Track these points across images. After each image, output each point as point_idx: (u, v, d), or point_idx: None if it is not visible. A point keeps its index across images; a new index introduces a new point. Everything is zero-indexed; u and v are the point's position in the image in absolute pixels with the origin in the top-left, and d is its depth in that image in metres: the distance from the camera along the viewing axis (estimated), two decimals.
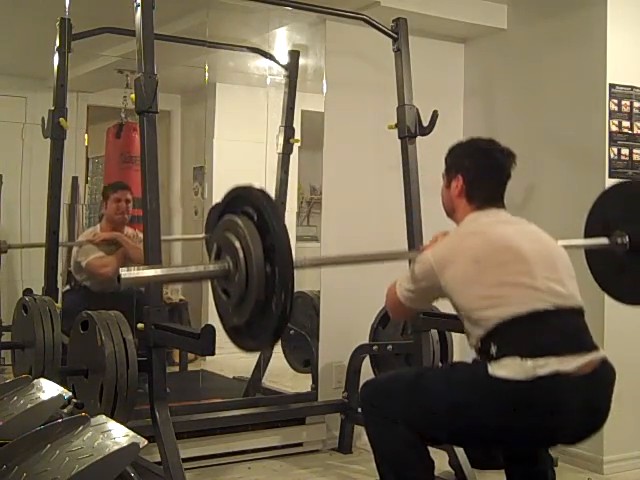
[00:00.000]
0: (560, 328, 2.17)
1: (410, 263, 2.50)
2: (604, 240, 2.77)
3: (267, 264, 1.74)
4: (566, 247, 2.49)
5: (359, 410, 3.69)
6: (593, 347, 2.21)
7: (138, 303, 3.48)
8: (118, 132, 4.60)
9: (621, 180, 2.88)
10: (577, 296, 2.28)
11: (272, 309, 1.74)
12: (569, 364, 2.10)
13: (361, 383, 3.67)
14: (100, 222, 4.37)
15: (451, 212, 2.47)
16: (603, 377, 2.23)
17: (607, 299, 3.53)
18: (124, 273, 1.76)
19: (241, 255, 1.77)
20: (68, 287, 4.16)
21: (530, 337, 2.13)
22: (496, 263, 2.21)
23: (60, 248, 3.72)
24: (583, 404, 2.13)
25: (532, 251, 2.25)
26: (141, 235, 4.10)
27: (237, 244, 1.78)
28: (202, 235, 4.40)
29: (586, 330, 2.25)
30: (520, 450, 2.44)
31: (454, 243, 2.33)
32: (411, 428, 2.22)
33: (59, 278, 3.69)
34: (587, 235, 2.89)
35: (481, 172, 2.41)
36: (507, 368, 2.09)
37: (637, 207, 2.75)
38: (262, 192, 1.84)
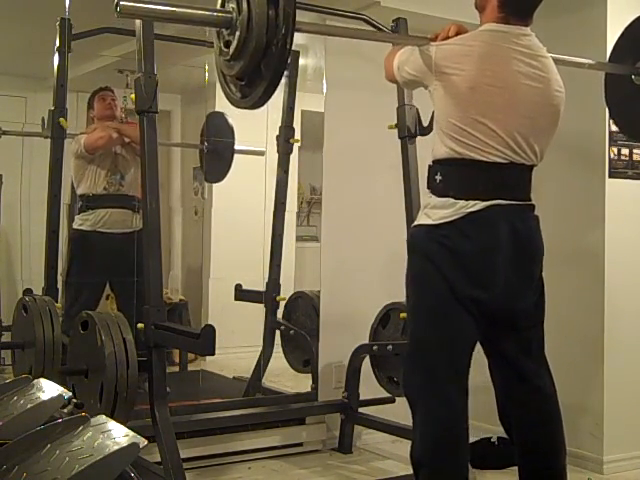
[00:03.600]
0: (502, 181, 2.25)
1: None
2: (624, 67, 2.74)
3: (270, 9, 1.74)
4: (583, 65, 2.53)
5: (360, 410, 3.72)
6: (527, 199, 2.33)
7: (138, 303, 3.48)
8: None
9: None
10: (539, 154, 2.34)
11: (272, 50, 1.74)
12: (499, 202, 2.23)
13: (361, 383, 3.70)
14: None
15: (480, 8, 2.36)
16: (530, 214, 2.35)
17: (607, 301, 3.54)
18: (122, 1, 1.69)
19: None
20: (77, 224, 4.06)
21: (471, 182, 2.22)
22: (487, 101, 2.22)
23: (60, 248, 3.72)
24: (508, 229, 2.24)
25: (526, 102, 2.25)
26: None
27: None
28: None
29: (527, 186, 2.34)
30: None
31: (462, 53, 2.25)
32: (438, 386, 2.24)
33: (59, 278, 3.69)
34: (612, 61, 2.85)
35: None
36: (438, 211, 2.21)
37: None
38: None
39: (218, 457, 3.50)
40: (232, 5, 1.80)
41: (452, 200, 2.21)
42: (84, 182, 4.08)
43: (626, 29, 2.85)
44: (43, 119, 3.59)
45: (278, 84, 1.81)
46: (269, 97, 1.86)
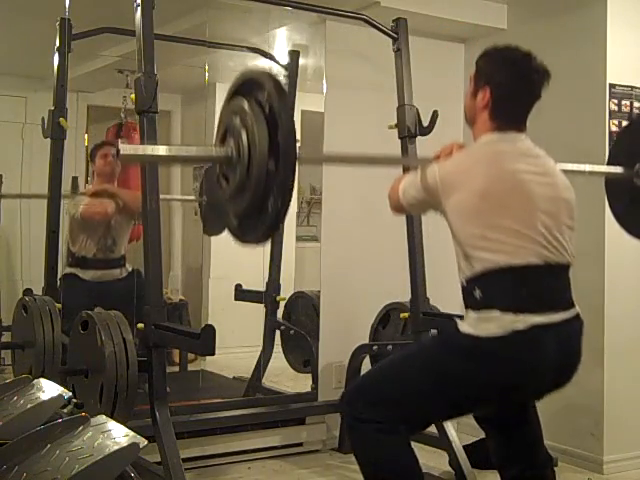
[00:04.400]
0: (544, 285, 2.18)
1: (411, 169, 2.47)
2: (627, 170, 2.71)
3: (270, 160, 1.71)
4: (583, 172, 2.47)
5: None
6: (571, 305, 2.24)
7: (138, 303, 3.48)
8: (118, 132, 4.59)
9: None
10: (569, 251, 2.25)
11: (268, 209, 1.71)
12: (546, 319, 2.13)
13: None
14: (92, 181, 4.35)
15: (471, 122, 2.36)
16: (575, 327, 2.27)
17: (607, 301, 3.54)
18: (123, 147, 1.70)
19: (245, 145, 1.73)
20: (68, 269, 4.10)
21: (514, 291, 2.13)
22: (501, 204, 2.16)
23: (60, 249, 3.72)
24: (556, 349, 2.16)
25: (539, 197, 2.19)
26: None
27: (243, 134, 1.74)
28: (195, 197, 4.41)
29: (568, 287, 2.26)
30: (507, 409, 2.41)
31: (465, 166, 2.23)
32: (394, 421, 2.16)
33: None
34: (610, 163, 2.82)
35: (511, 92, 2.29)
36: (484, 324, 2.11)
37: None
38: (278, 86, 1.78)
39: (218, 457, 3.50)
40: (232, 144, 1.79)
41: (498, 313, 2.10)
42: (77, 243, 4.12)
43: (621, 132, 2.86)
44: (43, 119, 3.58)
45: (281, 220, 1.79)
46: (276, 228, 1.83)
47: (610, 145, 3.60)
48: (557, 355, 2.16)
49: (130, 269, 4.15)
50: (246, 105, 1.77)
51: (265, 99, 1.75)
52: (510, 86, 2.29)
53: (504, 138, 2.27)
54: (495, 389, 2.18)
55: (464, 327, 2.15)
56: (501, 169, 2.20)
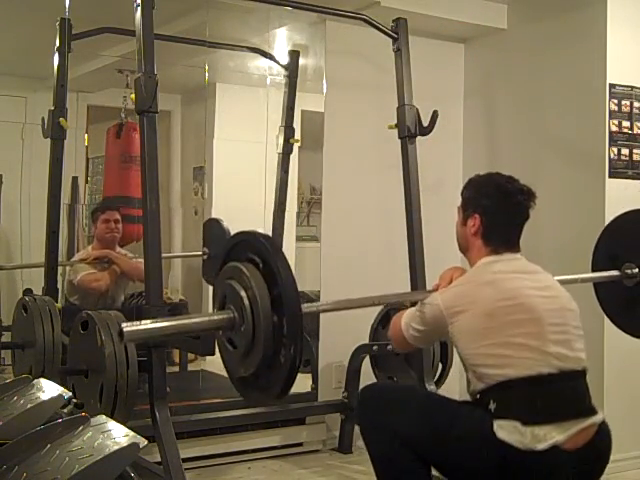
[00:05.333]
0: (561, 393, 2.15)
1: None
2: (614, 273, 2.74)
3: (274, 314, 1.70)
4: (575, 281, 2.47)
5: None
6: (592, 411, 2.19)
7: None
8: (118, 132, 4.59)
9: (624, 211, 2.88)
10: (582, 357, 2.24)
11: (280, 361, 1.71)
12: (567, 432, 2.09)
13: (361, 383, 3.70)
14: (92, 243, 4.40)
15: (465, 250, 2.40)
16: (600, 447, 2.20)
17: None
18: (126, 327, 1.70)
19: (247, 305, 1.73)
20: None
21: (530, 402, 2.11)
22: (507, 321, 2.16)
23: (60, 248, 3.72)
24: (576, 474, 2.13)
25: (545, 310, 2.20)
26: (131, 255, 4.17)
27: (243, 293, 1.74)
28: (200, 253, 4.40)
29: (586, 393, 2.22)
30: None
31: (466, 291, 2.25)
32: (404, 442, 2.20)
33: (59, 278, 3.69)
34: (595, 269, 2.85)
35: (500, 214, 2.32)
36: (508, 432, 2.08)
37: None
38: (267, 238, 1.81)
39: (218, 457, 3.50)
40: (232, 308, 1.78)
41: (519, 425, 2.07)
42: (75, 297, 4.15)
43: (600, 237, 2.86)
44: (43, 119, 3.58)
45: (291, 385, 1.78)
46: (283, 396, 1.83)
47: (609, 147, 3.60)
48: (576, 477, 2.14)
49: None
50: (239, 266, 1.78)
51: (257, 257, 1.76)
52: (498, 208, 2.33)
53: (500, 259, 2.31)
54: None
55: (498, 431, 2.10)
56: (503, 287, 2.22)
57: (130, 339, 1.73)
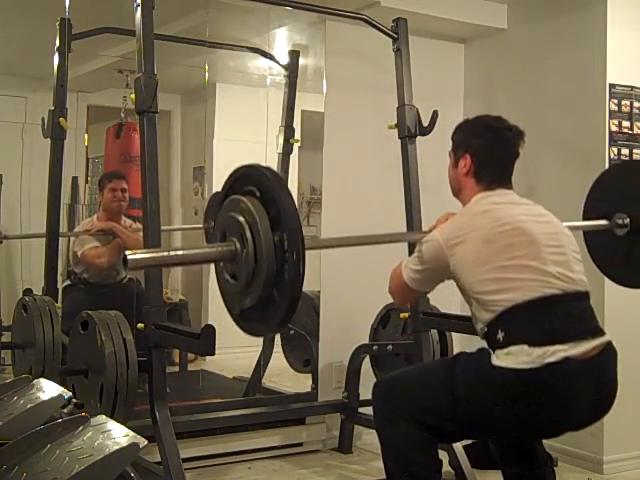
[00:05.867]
0: (568, 314, 2.16)
1: (414, 245, 2.48)
2: (604, 222, 2.75)
3: (275, 234, 1.71)
4: (574, 228, 2.48)
5: (360, 410, 3.72)
6: (600, 331, 2.22)
7: (138, 303, 3.48)
8: (118, 132, 4.59)
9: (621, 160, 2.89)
10: (584, 280, 2.26)
11: (285, 278, 1.70)
12: (577, 349, 2.10)
13: (361, 383, 3.70)
14: (97, 212, 4.37)
15: (457, 192, 2.43)
16: (609, 358, 2.25)
17: (607, 301, 3.54)
18: (129, 255, 1.73)
19: (247, 229, 1.73)
20: (68, 282, 4.15)
21: (538, 324, 2.12)
22: (506, 244, 2.19)
23: (60, 249, 3.72)
24: (591, 385, 2.15)
25: (541, 234, 2.23)
26: (138, 225, 4.07)
27: (241, 219, 1.75)
28: (201, 225, 4.39)
29: (593, 314, 2.25)
30: (527, 440, 2.43)
31: (463, 222, 2.29)
32: (421, 425, 2.21)
33: (59, 278, 3.69)
34: (586, 217, 2.85)
35: (490, 152, 2.37)
36: (513, 357, 2.09)
37: (638, 187, 2.73)
38: (262, 167, 1.80)
39: (218, 457, 3.50)
40: (234, 238, 1.78)
41: (526, 347, 2.08)
42: (79, 268, 4.15)
43: (593, 186, 2.87)
44: (43, 119, 3.58)
45: (295, 310, 1.77)
46: (287, 320, 1.81)
47: (609, 147, 3.59)
48: (592, 389, 2.15)
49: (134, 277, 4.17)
50: (237, 197, 1.79)
51: (254, 187, 1.76)
52: (488, 147, 2.37)
53: (493, 194, 2.34)
54: (529, 424, 2.17)
55: (497, 361, 2.12)
56: (499, 215, 2.26)
57: (133, 266, 1.74)
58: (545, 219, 2.33)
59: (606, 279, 3.54)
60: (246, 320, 1.87)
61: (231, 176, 1.88)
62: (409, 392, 2.29)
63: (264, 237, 1.71)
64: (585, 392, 2.14)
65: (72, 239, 4.23)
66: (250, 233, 1.73)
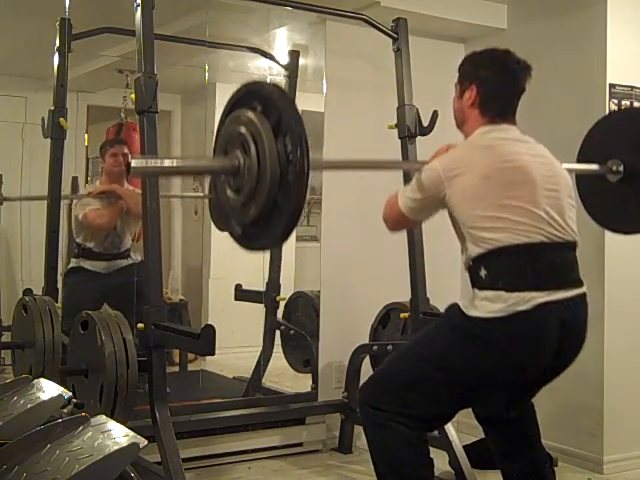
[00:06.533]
0: (552, 263, 2.21)
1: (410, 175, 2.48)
2: (598, 166, 2.73)
3: (277, 141, 1.69)
4: (569, 170, 2.47)
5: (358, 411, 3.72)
6: (579, 282, 2.27)
7: (138, 303, 3.48)
8: (118, 132, 4.59)
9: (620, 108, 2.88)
10: (574, 228, 2.30)
11: (289, 181, 1.67)
12: (552, 297, 2.16)
13: (361, 383, 3.70)
14: (100, 178, 4.37)
15: (461, 123, 2.42)
16: (581, 307, 2.28)
17: (607, 301, 3.54)
18: (134, 161, 1.70)
19: (249, 138, 1.72)
20: (73, 263, 4.14)
21: (521, 270, 2.16)
22: (504, 182, 2.20)
23: (60, 250, 3.72)
24: (560, 329, 2.19)
25: (540, 175, 2.25)
26: (139, 191, 4.09)
27: (243, 129, 1.73)
28: (203, 194, 4.39)
29: (575, 265, 2.29)
30: (526, 436, 2.44)
31: (463, 155, 2.29)
32: (410, 419, 2.21)
33: (59, 278, 3.69)
34: (580, 161, 2.84)
35: (497, 84, 2.35)
36: (489, 303, 2.14)
37: (634, 135, 2.72)
38: (262, 82, 1.82)
39: (218, 457, 3.50)
40: (237, 150, 1.76)
41: (503, 293, 2.13)
42: (81, 236, 4.15)
43: (591, 129, 2.86)
44: (43, 119, 3.58)
45: (299, 217, 1.74)
46: (292, 229, 1.77)
47: None
48: (561, 334, 2.19)
49: (137, 258, 4.15)
50: (246, 112, 1.77)
51: (255, 101, 1.75)
52: (494, 79, 2.36)
53: (497, 128, 2.33)
54: (502, 371, 2.20)
55: (470, 310, 2.18)
56: (500, 151, 2.26)
57: (136, 173, 1.74)
58: (546, 160, 2.33)
59: (607, 278, 3.55)
60: (249, 237, 1.84)
61: (232, 97, 1.86)
62: (391, 381, 2.29)
63: (267, 143, 1.69)
64: (554, 334, 2.18)
65: (74, 205, 4.21)
66: (253, 141, 1.72)
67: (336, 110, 3.95)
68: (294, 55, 4.42)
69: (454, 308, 2.25)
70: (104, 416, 1.50)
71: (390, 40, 3.56)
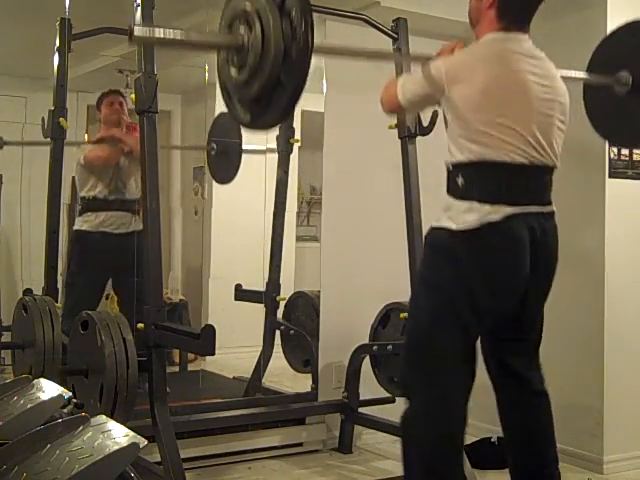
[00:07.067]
0: (525, 184, 2.26)
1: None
2: (607, 77, 2.74)
3: (282, 18, 1.68)
4: (567, 78, 2.50)
5: (360, 410, 3.72)
6: (548, 202, 2.33)
7: (138, 303, 3.48)
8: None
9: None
10: (557, 153, 2.33)
11: (292, 55, 1.66)
12: (522, 210, 2.23)
13: (361, 383, 3.71)
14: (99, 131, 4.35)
15: (475, 23, 2.40)
16: (550, 223, 2.34)
17: (607, 301, 3.53)
18: (137, 29, 1.68)
19: (254, 14, 1.70)
20: (77, 225, 4.13)
21: (494, 185, 2.22)
22: (501, 99, 2.23)
23: (60, 250, 3.72)
24: (532, 238, 2.24)
25: (536, 99, 2.27)
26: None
27: (249, 6, 1.72)
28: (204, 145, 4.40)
29: (548, 188, 2.35)
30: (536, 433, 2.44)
31: (470, 61, 2.30)
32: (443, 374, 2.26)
33: (59, 278, 3.69)
34: (589, 70, 2.85)
35: None
36: (464, 214, 2.20)
37: None
38: None
39: (218, 457, 3.50)
40: (241, 26, 1.75)
41: (477, 204, 2.20)
42: (86, 186, 4.13)
43: (604, 41, 2.87)
44: (43, 119, 3.58)
45: (301, 91, 1.72)
46: (294, 106, 1.77)
47: (609, 147, 3.59)
48: (532, 247, 2.24)
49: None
50: None
51: None
52: None
53: (509, 37, 2.32)
54: (483, 287, 2.23)
55: (442, 222, 2.25)
56: (505, 67, 2.28)
57: (139, 41, 1.72)
58: (548, 82, 2.33)
59: (606, 278, 3.55)
60: (254, 118, 1.83)
61: None
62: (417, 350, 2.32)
63: (272, 20, 1.68)
64: (525, 244, 2.23)
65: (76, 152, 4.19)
66: (257, 17, 1.70)
67: (336, 110, 3.94)
68: None
69: (428, 233, 2.32)
70: (104, 416, 1.50)
71: (390, 40, 3.56)
